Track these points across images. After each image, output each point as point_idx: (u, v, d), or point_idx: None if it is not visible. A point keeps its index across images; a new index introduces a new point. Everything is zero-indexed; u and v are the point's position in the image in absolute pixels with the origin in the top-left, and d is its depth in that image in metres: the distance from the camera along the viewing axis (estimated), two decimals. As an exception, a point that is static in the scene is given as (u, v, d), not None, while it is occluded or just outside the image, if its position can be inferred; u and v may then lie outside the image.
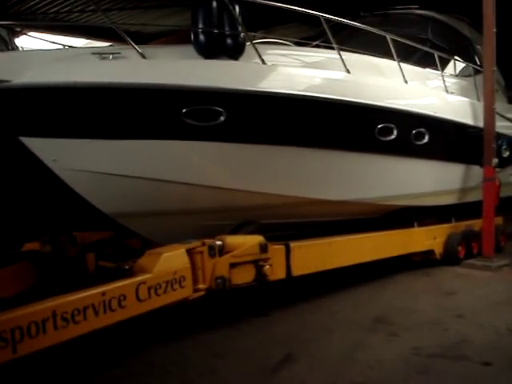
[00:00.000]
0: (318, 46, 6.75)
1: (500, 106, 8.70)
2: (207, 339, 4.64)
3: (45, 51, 5.28)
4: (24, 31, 10.05)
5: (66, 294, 3.42)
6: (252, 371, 3.91)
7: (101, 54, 4.84)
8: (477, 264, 7.64)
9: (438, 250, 7.69)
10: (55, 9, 10.89)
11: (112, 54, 4.87)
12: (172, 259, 4.20)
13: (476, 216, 8.63)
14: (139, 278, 3.88)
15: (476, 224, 8.50)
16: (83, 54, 4.96)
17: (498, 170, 8.26)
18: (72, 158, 4.84)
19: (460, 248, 7.85)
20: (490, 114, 7.71)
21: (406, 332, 4.79)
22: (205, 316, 5.29)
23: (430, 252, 7.65)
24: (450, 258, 7.71)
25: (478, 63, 8.95)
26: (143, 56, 4.88)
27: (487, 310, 5.51)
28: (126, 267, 3.87)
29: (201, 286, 4.53)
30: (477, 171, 8.10)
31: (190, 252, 4.42)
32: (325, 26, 5.76)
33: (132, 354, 4.33)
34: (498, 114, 8.37)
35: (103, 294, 3.56)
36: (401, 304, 5.79)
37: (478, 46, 9.27)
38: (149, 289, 3.91)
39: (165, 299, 4.07)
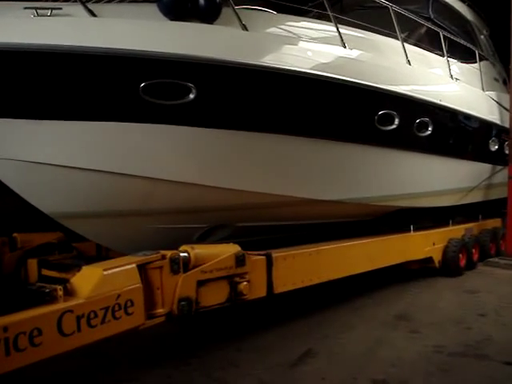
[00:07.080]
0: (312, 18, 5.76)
1: (503, 96, 8.31)
2: (228, 333, 4.67)
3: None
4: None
5: None
6: (273, 365, 3.93)
7: (36, 9, 3.80)
8: (500, 262, 7.69)
9: (437, 257, 6.95)
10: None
11: (51, 9, 3.84)
12: (115, 278, 3.16)
13: (475, 219, 8.04)
14: (63, 306, 2.86)
15: (475, 227, 7.82)
16: (12, 8, 3.88)
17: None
18: None
19: (461, 255, 7.16)
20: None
21: (428, 330, 4.79)
22: (225, 310, 4.85)
23: (429, 260, 6.88)
24: (449, 266, 7.01)
25: (481, 49, 8.25)
26: (92, 13, 3.89)
27: (510, 308, 5.45)
28: (46, 290, 2.84)
29: (159, 310, 3.54)
30: (482, 169, 7.42)
31: (143, 268, 3.40)
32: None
33: (153, 347, 4.31)
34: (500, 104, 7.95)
35: (5, 329, 2.56)
36: (423, 302, 5.84)
37: (480, 32, 8.62)
38: (78, 319, 2.89)
39: (102, 332, 3.05)
